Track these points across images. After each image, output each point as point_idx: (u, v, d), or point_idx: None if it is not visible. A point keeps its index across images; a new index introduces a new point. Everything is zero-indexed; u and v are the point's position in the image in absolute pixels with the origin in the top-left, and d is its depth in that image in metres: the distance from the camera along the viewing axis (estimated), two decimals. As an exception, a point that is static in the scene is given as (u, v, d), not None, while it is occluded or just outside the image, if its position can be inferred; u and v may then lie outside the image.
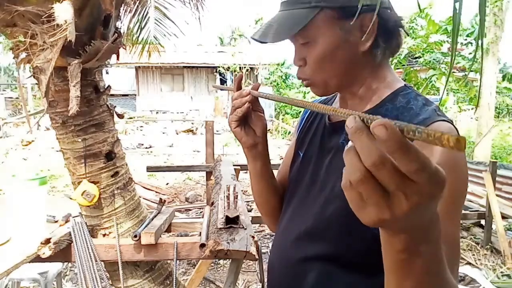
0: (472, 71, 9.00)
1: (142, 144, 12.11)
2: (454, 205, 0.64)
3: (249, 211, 5.43)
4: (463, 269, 3.56)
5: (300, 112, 15.20)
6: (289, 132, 14.52)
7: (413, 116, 0.67)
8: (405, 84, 0.76)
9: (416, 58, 10.72)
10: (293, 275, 0.78)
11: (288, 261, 0.79)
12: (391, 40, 0.72)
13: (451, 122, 0.67)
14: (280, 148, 11.90)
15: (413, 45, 9.20)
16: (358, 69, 0.74)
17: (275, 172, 1.00)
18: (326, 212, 0.74)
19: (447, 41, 8.46)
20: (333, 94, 0.89)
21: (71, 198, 1.80)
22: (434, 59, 8.78)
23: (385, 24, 0.71)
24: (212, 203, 2.02)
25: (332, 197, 0.74)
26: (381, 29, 0.71)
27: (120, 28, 2.03)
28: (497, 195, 4.24)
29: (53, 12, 1.34)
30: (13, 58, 1.70)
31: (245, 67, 17.59)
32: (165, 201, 2.10)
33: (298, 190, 0.86)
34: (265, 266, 1.01)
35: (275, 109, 18.34)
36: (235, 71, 17.65)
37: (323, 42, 0.71)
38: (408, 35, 0.78)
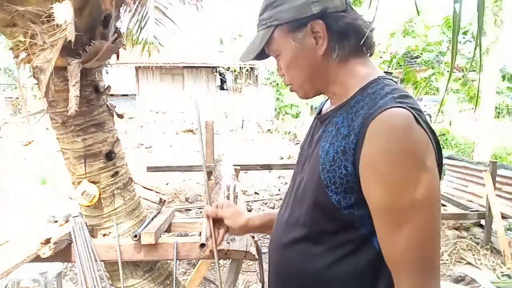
0: (472, 71, 8.99)
1: (142, 144, 12.10)
2: (397, 217, 0.69)
3: (249, 211, 5.43)
4: (463, 269, 3.56)
5: (300, 112, 15.12)
6: (289, 132, 14.50)
7: (373, 105, 0.72)
8: (378, 76, 0.80)
9: (415, 58, 10.72)
10: (282, 257, 0.87)
11: (278, 245, 0.88)
12: (347, 39, 0.78)
13: (411, 109, 0.70)
14: (280, 148, 11.89)
15: (412, 44, 9.18)
16: (325, 71, 0.82)
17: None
18: (304, 202, 0.82)
19: (446, 40, 8.46)
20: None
21: (71, 198, 1.80)
22: (433, 59, 8.77)
23: (335, 26, 0.78)
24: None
25: (307, 187, 0.82)
26: (332, 32, 0.78)
27: (120, 28, 2.03)
28: (497, 195, 4.24)
29: (53, 12, 1.34)
30: (13, 58, 1.70)
31: (245, 67, 17.58)
32: (165, 201, 2.10)
33: (292, 182, 0.94)
34: (265, 266, 1.05)
35: (275, 109, 18.33)
36: (235, 71, 17.64)
37: (285, 53, 0.82)
38: (372, 30, 0.82)
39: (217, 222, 1.02)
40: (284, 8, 0.79)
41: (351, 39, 0.79)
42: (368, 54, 0.84)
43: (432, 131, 0.73)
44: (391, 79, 0.81)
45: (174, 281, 1.69)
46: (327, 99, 0.95)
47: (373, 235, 0.74)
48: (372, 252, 0.75)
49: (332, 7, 0.77)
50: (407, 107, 0.70)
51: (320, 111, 0.94)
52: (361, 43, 0.80)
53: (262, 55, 0.87)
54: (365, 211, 0.73)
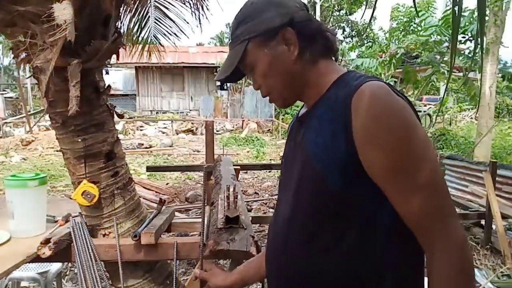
0: (472, 71, 8.99)
1: (142, 144, 12.11)
2: (407, 160, 0.72)
3: (249, 211, 5.43)
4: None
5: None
6: (289, 132, 14.49)
7: (348, 87, 0.79)
8: (348, 70, 0.88)
9: (415, 57, 10.71)
10: (292, 262, 0.87)
11: (283, 251, 0.89)
12: (315, 43, 0.87)
13: (383, 81, 0.79)
14: (280, 148, 11.89)
15: (410, 43, 9.16)
16: (299, 74, 0.88)
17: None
18: (304, 202, 0.84)
19: (446, 40, 8.45)
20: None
21: (71, 198, 1.80)
22: (432, 58, 8.76)
23: (303, 32, 0.86)
24: (212, 203, 2.02)
25: (303, 186, 0.84)
26: (301, 37, 0.85)
27: (120, 28, 2.03)
28: (497, 195, 4.24)
29: (53, 12, 1.34)
30: (13, 58, 1.70)
31: (245, 67, 17.56)
32: (165, 201, 2.10)
33: (283, 189, 0.97)
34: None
35: (275, 109, 18.34)
36: (235, 71, 17.61)
37: (260, 64, 0.88)
38: (335, 35, 0.93)
39: (205, 281, 1.14)
40: (255, 22, 0.86)
41: (319, 43, 0.87)
42: (334, 59, 0.92)
43: (407, 99, 0.80)
44: (355, 71, 0.89)
45: (174, 281, 1.69)
46: (302, 107, 0.99)
47: (381, 210, 0.77)
48: (381, 230, 0.77)
49: (298, 17, 0.86)
50: (380, 80, 0.78)
51: (297, 118, 0.98)
52: (328, 46, 0.88)
53: (237, 75, 0.93)
54: (368, 187, 0.76)
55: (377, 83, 0.76)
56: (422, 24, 8.86)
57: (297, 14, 0.86)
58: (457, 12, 0.59)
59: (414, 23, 10.68)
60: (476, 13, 7.03)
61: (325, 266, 0.81)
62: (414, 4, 0.82)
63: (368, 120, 0.72)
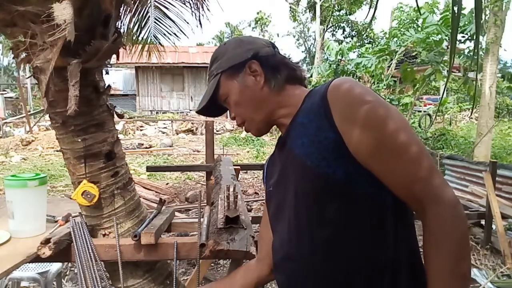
0: (472, 71, 8.98)
1: (142, 144, 12.11)
2: (397, 138, 0.77)
3: (249, 211, 5.42)
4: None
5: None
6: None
7: (320, 91, 0.87)
8: (314, 87, 0.95)
9: (414, 57, 10.69)
10: (311, 267, 0.87)
11: (301, 258, 0.89)
12: (279, 72, 0.96)
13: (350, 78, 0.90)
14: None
15: (409, 42, 9.14)
16: (267, 99, 0.97)
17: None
18: (307, 208, 0.86)
19: (446, 39, 8.44)
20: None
21: (71, 198, 1.80)
22: (431, 58, 8.75)
23: (267, 64, 0.96)
24: (212, 203, 2.02)
25: (302, 193, 0.87)
26: (266, 68, 0.96)
27: (120, 28, 2.03)
28: (497, 195, 4.24)
29: (53, 12, 1.34)
30: (13, 58, 1.70)
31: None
32: (165, 201, 2.10)
33: (277, 217, 0.98)
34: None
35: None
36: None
37: (232, 94, 0.97)
38: (299, 67, 1.02)
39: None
40: (225, 58, 0.97)
41: (283, 72, 0.96)
42: (303, 86, 1.00)
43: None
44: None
45: (174, 281, 1.69)
46: (279, 137, 1.02)
47: (385, 196, 0.80)
48: (389, 215, 0.81)
49: (263, 52, 0.96)
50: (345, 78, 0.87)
51: (276, 146, 1.02)
52: (292, 75, 0.97)
53: (219, 110, 1.04)
54: (366, 175, 0.79)
55: (345, 77, 0.87)
56: (423, 25, 8.84)
57: (262, 49, 0.97)
58: (456, 11, 0.59)
59: (416, 24, 10.65)
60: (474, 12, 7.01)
61: (341, 266, 0.83)
62: (417, 4, 0.83)
63: (344, 106, 0.80)
